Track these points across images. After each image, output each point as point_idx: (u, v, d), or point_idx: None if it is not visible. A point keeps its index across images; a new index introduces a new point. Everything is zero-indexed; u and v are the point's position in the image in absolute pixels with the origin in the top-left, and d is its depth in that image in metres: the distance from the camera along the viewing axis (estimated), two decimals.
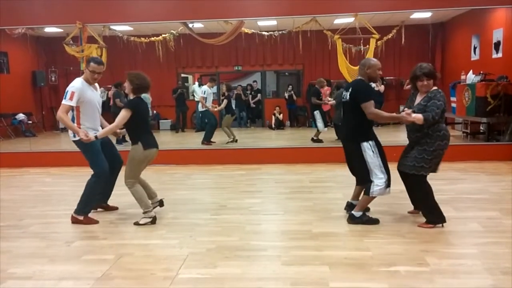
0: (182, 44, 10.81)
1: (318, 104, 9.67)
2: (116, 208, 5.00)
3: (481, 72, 8.98)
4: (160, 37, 9.77)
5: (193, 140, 10.74)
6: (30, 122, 12.63)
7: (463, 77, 9.68)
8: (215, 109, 10.11)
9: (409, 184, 4.27)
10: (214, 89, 14.14)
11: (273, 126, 13.58)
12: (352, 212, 4.34)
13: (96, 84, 4.61)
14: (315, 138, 9.56)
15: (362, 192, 4.36)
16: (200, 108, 10.04)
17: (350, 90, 4.21)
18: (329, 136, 9.64)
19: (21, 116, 12.27)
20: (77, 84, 4.33)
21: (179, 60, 14.02)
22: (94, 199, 4.66)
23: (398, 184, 5.04)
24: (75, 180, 6.81)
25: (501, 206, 4.75)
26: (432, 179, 5.93)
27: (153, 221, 4.44)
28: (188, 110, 13.46)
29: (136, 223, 4.43)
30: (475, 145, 8.38)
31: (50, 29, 10.79)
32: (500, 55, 9.24)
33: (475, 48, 10.61)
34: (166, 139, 11.48)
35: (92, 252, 3.72)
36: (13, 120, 12.19)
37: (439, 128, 4.01)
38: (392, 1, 7.98)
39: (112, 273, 3.27)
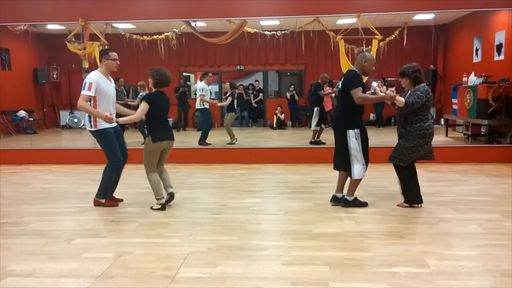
0: (185, 43, 10.82)
1: (319, 102, 9.50)
2: (121, 200, 5.23)
3: (483, 74, 8.98)
4: (163, 36, 9.76)
5: (194, 139, 10.71)
6: (31, 119, 12.64)
7: (465, 79, 9.67)
8: (218, 104, 10.02)
9: (397, 171, 4.75)
10: (216, 88, 14.17)
11: (274, 126, 13.58)
12: (345, 196, 4.81)
13: (111, 77, 4.94)
14: (317, 139, 9.27)
15: (348, 179, 4.80)
16: (198, 106, 9.73)
17: (342, 79, 4.67)
18: (332, 136, 9.54)
19: (22, 113, 12.28)
20: (93, 75, 4.68)
21: (181, 58, 14.04)
22: (112, 184, 5.04)
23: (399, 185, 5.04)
24: (76, 178, 6.82)
25: (502, 208, 4.74)
26: (432, 180, 5.93)
27: (162, 207, 4.82)
28: (190, 108, 13.46)
29: (151, 208, 4.86)
30: (476, 147, 8.37)
31: (52, 26, 10.80)
32: (502, 57, 9.23)
33: (477, 50, 10.60)
34: None
35: (92, 250, 3.71)
36: (14, 117, 12.20)
37: (420, 127, 4.46)
38: (395, 2, 7.97)
39: (112, 271, 3.27)
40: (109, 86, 4.82)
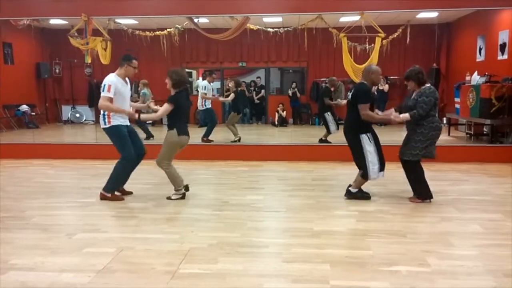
0: (187, 39, 10.78)
1: (329, 105, 9.40)
2: (131, 193, 5.38)
3: (486, 73, 8.94)
4: (165, 31, 9.73)
5: (195, 135, 10.67)
6: (34, 113, 12.64)
7: (468, 78, 9.63)
8: (220, 99, 10.00)
9: (407, 168, 4.92)
10: (218, 84, 14.15)
11: (276, 123, 13.58)
12: (349, 188, 5.08)
13: (127, 79, 5.11)
14: (323, 138, 9.15)
15: (359, 174, 4.97)
16: (200, 107, 9.70)
17: (353, 91, 4.90)
18: (336, 135, 9.44)
19: (24, 107, 12.27)
20: (111, 78, 4.91)
21: (183, 54, 14.01)
22: (122, 180, 5.14)
23: (400, 184, 5.06)
24: (78, 173, 6.84)
25: (503, 208, 4.74)
26: (434, 179, 5.93)
27: (183, 197, 5.13)
28: (191, 105, 13.40)
29: (168, 198, 5.11)
30: (479, 147, 8.35)
31: (55, 21, 10.77)
32: (505, 56, 9.19)
33: (480, 49, 10.56)
34: None
35: (94, 245, 3.72)
36: (17, 112, 12.19)
37: (433, 120, 4.69)
38: (399, 0, 7.94)
39: (113, 266, 3.28)
40: (124, 89, 5.01)
